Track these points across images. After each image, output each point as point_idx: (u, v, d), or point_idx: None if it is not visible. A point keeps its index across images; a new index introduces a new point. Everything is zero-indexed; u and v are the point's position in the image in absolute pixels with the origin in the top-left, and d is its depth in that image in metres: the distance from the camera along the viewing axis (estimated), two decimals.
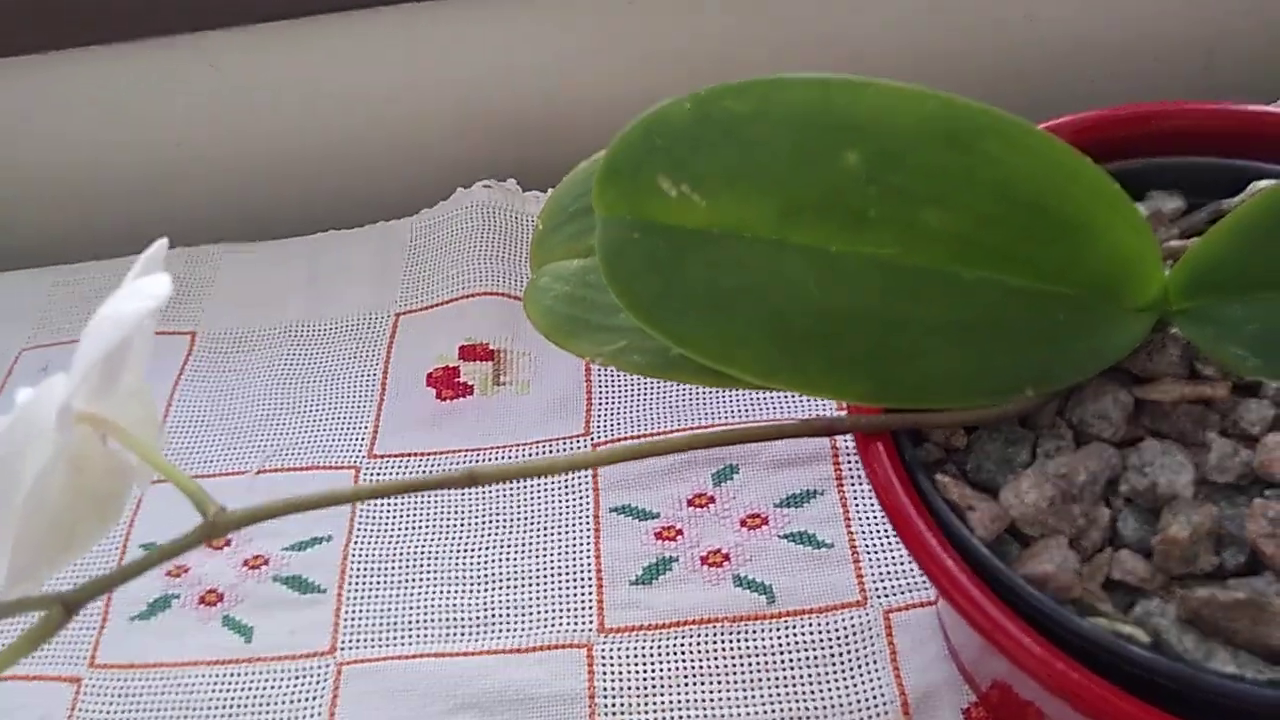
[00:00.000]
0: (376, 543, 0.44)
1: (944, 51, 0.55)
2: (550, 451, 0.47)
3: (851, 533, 0.42)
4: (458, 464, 0.47)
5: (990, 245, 0.25)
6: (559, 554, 0.43)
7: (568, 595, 0.42)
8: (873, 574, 0.40)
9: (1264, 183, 0.30)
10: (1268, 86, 0.54)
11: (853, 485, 0.43)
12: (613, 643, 0.40)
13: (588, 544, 0.43)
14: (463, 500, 0.45)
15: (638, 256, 0.25)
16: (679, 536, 0.43)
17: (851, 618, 0.39)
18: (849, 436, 0.44)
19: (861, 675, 0.38)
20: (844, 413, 0.29)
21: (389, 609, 0.42)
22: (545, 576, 0.42)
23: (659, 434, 0.46)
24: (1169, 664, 0.22)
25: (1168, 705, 0.22)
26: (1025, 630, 0.23)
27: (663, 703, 0.38)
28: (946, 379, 0.26)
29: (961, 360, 0.26)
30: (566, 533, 0.44)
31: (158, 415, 0.23)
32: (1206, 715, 0.22)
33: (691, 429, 0.46)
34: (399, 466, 0.47)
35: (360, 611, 0.42)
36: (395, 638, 0.41)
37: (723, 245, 0.25)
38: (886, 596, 0.40)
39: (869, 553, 0.41)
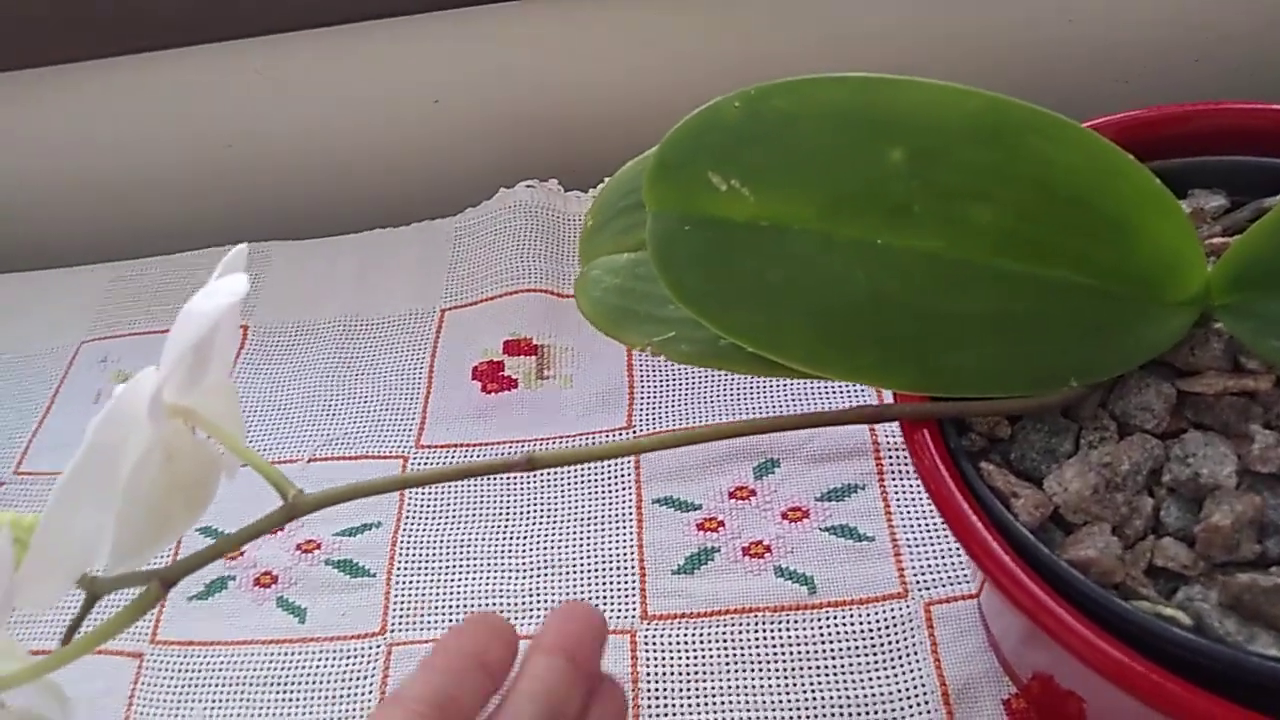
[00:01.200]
0: (424, 530, 0.46)
1: (979, 50, 0.55)
2: (593, 443, 0.48)
3: (893, 526, 0.42)
4: (503, 454, 0.48)
5: (1033, 240, 0.26)
6: (602, 543, 0.44)
7: (611, 583, 0.43)
8: (914, 567, 0.41)
9: None
10: None
11: (894, 480, 0.44)
12: (656, 629, 0.41)
13: (630, 534, 0.44)
14: (507, 491, 0.46)
15: (688, 249, 0.26)
16: (721, 528, 0.44)
17: (892, 609, 0.40)
18: (891, 432, 0.45)
19: (902, 666, 0.38)
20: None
21: (437, 594, 0.43)
22: (589, 565, 0.43)
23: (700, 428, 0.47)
24: (1211, 645, 0.23)
25: (1212, 688, 0.22)
26: (1070, 611, 0.24)
27: (704, 689, 0.39)
28: (989, 369, 0.26)
29: (1005, 351, 0.26)
30: (609, 523, 0.45)
31: (240, 408, 0.25)
32: (1247, 696, 0.22)
33: (732, 422, 0.47)
34: (445, 457, 0.49)
35: (409, 596, 0.44)
36: (443, 620, 0.43)
37: (771, 238, 0.26)
38: (927, 589, 0.40)
39: (910, 546, 0.42)
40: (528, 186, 0.57)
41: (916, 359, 0.26)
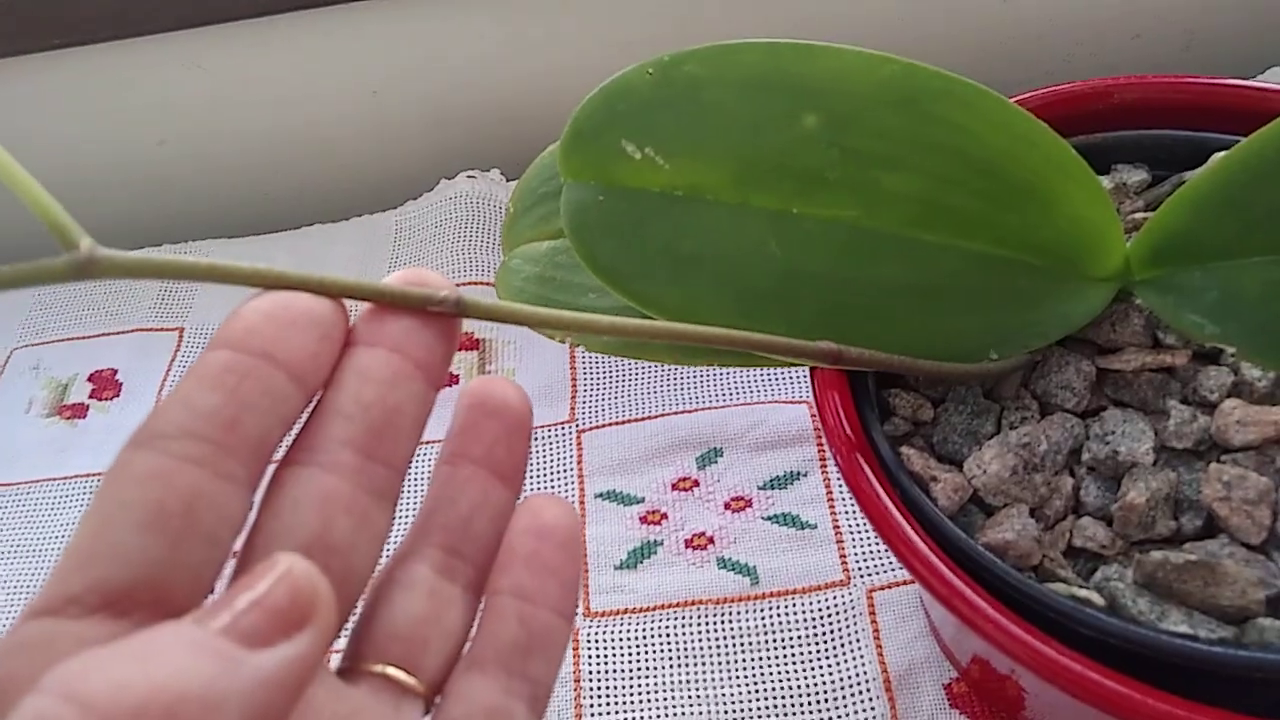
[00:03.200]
0: None
1: (922, 32, 0.55)
2: (535, 438, 0.47)
3: (835, 514, 0.42)
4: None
5: (950, 209, 0.25)
6: None
7: None
8: (856, 553, 0.40)
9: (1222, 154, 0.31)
10: (1247, 66, 0.54)
11: (836, 466, 0.43)
12: (598, 626, 0.40)
13: None
14: None
15: (602, 219, 0.25)
16: (663, 520, 0.43)
17: (835, 597, 0.39)
18: None
19: (845, 654, 0.38)
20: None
21: None
22: None
23: (643, 419, 0.47)
24: (1122, 625, 0.22)
25: (1127, 668, 0.22)
26: (985, 596, 0.23)
27: (648, 684, 0.38)
28: (908, 339, 0.26)
29: (923, 322, 0.26)
30: None
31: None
32: (1163, 676, 0.22)
33: (675, 413, 0.46)
34: None
35: None
36: None
37: (686, 207, 0.25)
38: (869, 575, 0.40)
39: (852, 533, 0.41)
40: (469, 177, 0.56)
41: (832, 330, 0.25)
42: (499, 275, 0.31)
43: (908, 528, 0.24)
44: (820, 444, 0.44)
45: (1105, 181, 0.31)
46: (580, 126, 0.25)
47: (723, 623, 0.40)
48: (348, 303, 0.20)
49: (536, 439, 0.47)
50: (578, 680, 0.39)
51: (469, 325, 0.52)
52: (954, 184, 0.25)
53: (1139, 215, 0.30)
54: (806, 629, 0.39)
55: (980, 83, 0.25)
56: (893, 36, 0.55)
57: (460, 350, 0.51)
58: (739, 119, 0.25)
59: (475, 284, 0.53)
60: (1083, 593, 0.23)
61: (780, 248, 0.25)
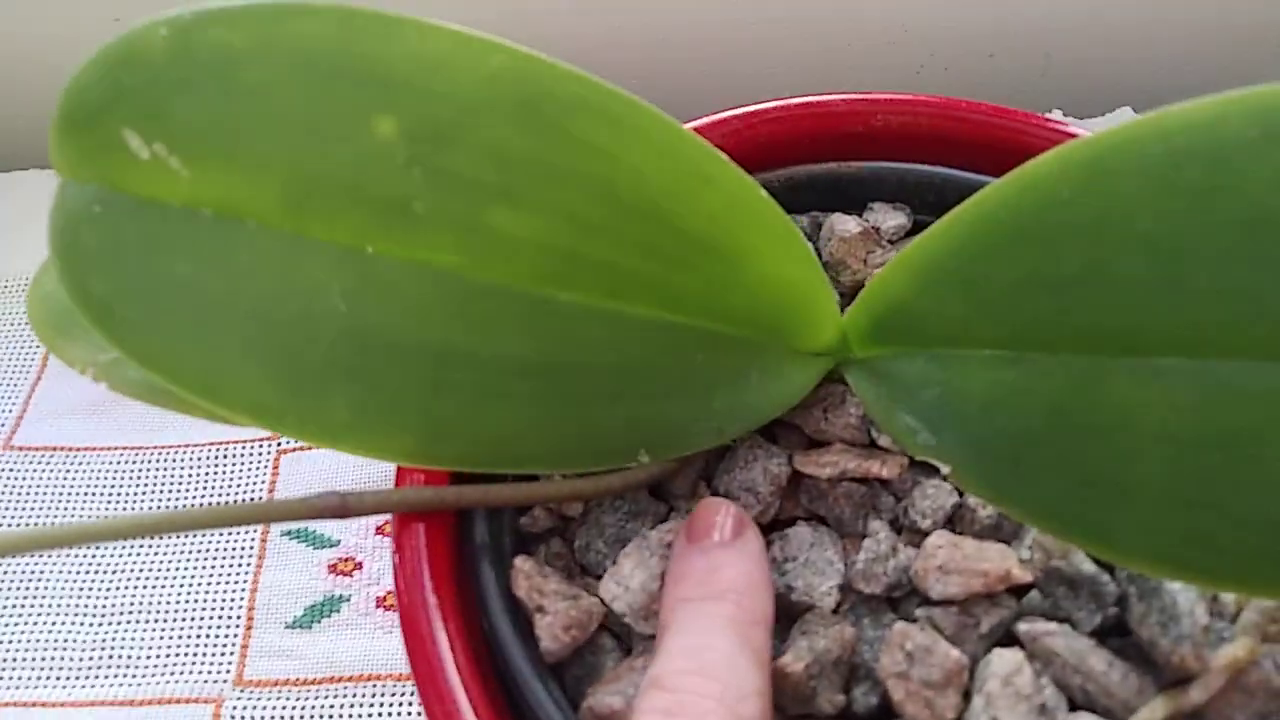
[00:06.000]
0: None
1: (759, 15, 0.48)
2: (226, 455, 0.39)
3: None
4: (113, 465, 0.39)
5: (594, 261, 0.19)
6: (207, 583, 0.36)
7: (206, 637, 0.34)
8: None
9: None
10: (1101, 100, 0.49)
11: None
12: (249, 698, 0.33)
13: (246, 573, 0.36)
14: (108, 503, 0.37)
15: (96, 240, 0.18)
16: (356, 571, 0.36)
17: None
18: None
19: None
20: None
21: None
22: (183, 612, 0.35)
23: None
24: None
25: None
26: None
27: None
28: (526, 435, 0.19)
29: (549, 411, 0.19)
30: (222, 557, 0.36)
31: None
32: None
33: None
34: (40, 464, 0.39)
35: None
36: None
37: (215, 233, 0.18)
38: None
39: None
40: None
41: (420, 419, 0.18)
42: (34, 281, 0.23)
43: (463, 699, 0.17)
44: None
45: (853, 224, 0.25)
46: (74, 103, 0.18)
47: (405, 704, 0.33)
48: None
49: (227, 457, 0.39)
50: None
51: None
52: (599, 230, 0.19)
53: None
54: None
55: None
56: (720, 15, 0.48)
57: None
58: (293, 114, 0.17)
59: None
60: None
61: (346, 300, 0.18)
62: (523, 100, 0.18)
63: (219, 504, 0.37)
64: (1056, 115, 0.29)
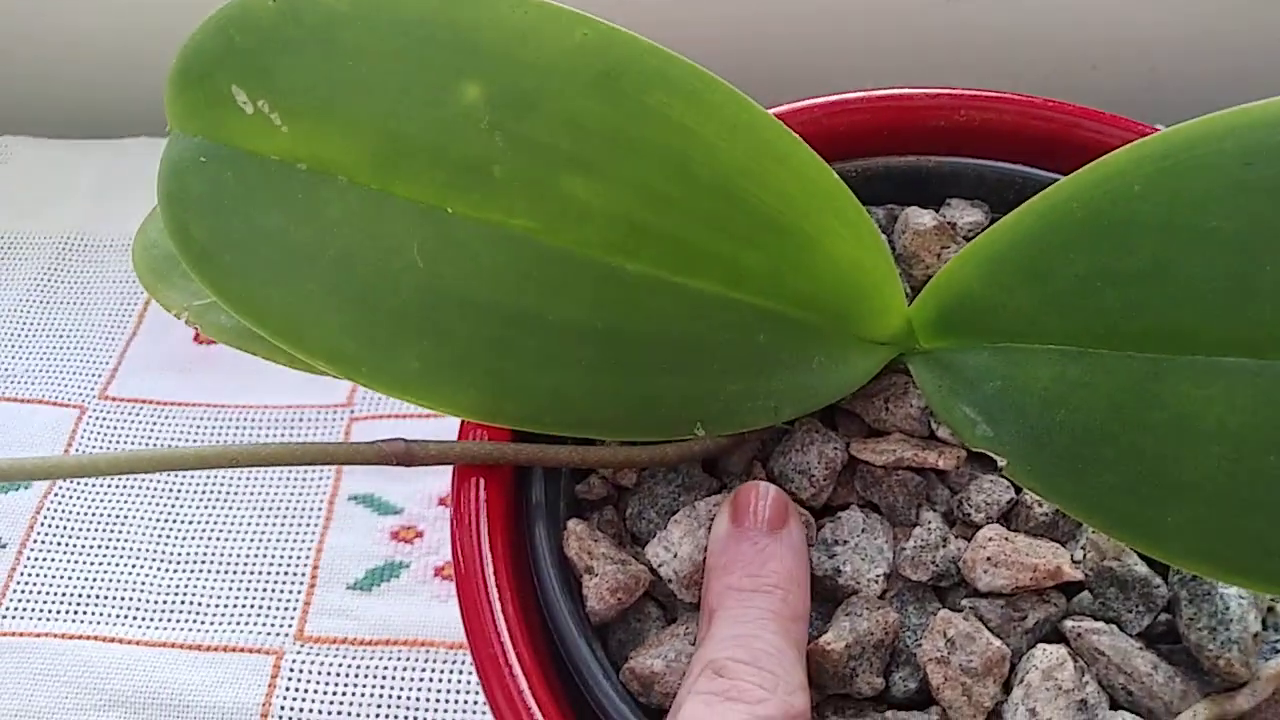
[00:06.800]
0: (80, 499, 0.38)
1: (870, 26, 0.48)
2: (302, 419, 0.41)
3: None
4: (197, 420, 0.41)
5: (663, 234, 0.19)
6: (276, 541, 0.37)
7: (272, 591, 0.36)
8: None
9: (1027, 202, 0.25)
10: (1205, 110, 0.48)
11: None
12: (309, 653, 0.34)
13: (313, 533, 0.37)
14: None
15: (199, 188, 0.19)
16: (417, 539, 0.37)
17: None
18: None
19: None
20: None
21: (70, 578, 0.36)
22: (252, 566, 0.36)
23: (428, 416, 0.40)
24: None
25: None
26: None
27: None
28: (586, 400, 0.20)
29: (609, 378, 0.20)
30: (292, 517, 0.38)
31: None
32: None
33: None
34: (131, 415, 0.41)
35: (38, 576, 0.36)
36: (65, 611, 0.35)
37: (308, 186, 0.19)
38: None
39: None
40: None
41: (486, 376, 0.19)
42: (141, 227, 0.24)
43: (511, 650, 0.18)
44: None
45: (928, 218, 0.25)
46: (189, 63, 0.19)
47: (452, 674, 0.34)
48: None
49: (302, 420, 0.41)
50: (265, 716, 0.33)
51: None
52: (670, 203, 0.19)
53: None
54: None
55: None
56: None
57: None
58: (386, 77, 0.18)
59: None
60: None
61: (424, 256, 0.19)
62: (603, 72, 0.18)
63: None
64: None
